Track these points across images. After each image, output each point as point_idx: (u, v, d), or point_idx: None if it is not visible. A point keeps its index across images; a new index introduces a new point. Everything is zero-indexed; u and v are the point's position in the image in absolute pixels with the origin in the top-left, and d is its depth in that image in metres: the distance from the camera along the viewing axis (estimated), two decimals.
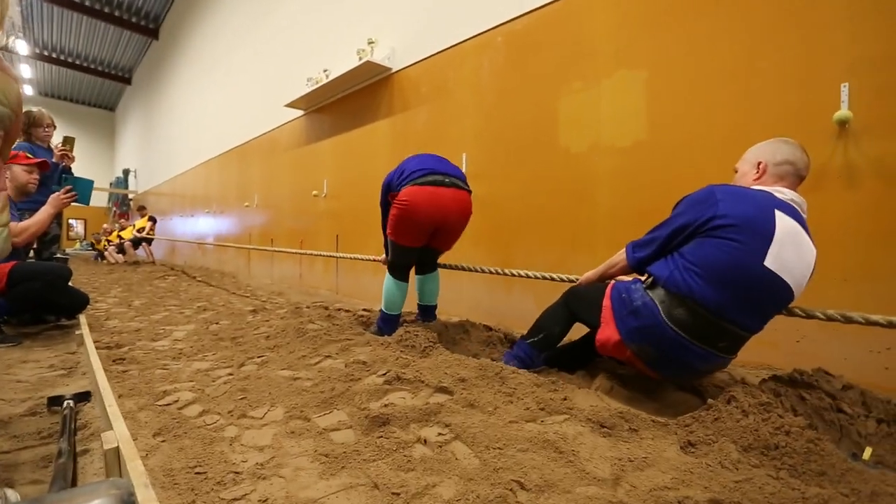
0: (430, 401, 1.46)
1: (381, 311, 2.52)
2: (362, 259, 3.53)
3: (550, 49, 3.08)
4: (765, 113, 2.23)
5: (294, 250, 5.14)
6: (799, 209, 1.48)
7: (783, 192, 1.49)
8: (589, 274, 1.87)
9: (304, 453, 1.21)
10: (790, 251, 1.38)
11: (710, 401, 1.40)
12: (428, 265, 2.66)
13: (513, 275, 2.49)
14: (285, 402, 1.53)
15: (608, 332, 1.61)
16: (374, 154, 4.67)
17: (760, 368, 2.12)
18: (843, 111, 2.00)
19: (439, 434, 1.27)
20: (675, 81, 2.52)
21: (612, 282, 1.71)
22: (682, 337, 1.44)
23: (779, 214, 1.39)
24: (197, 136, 9.89)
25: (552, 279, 2.28)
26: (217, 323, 2.94)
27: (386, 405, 1.44)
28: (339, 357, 1.99)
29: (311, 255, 4.83)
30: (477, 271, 2.70)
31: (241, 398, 1.58)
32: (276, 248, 5.69)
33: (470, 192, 2.46)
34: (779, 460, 1.14)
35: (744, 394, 1.35)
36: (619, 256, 1.71)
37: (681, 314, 1.44)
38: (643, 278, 1.61)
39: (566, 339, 1.96)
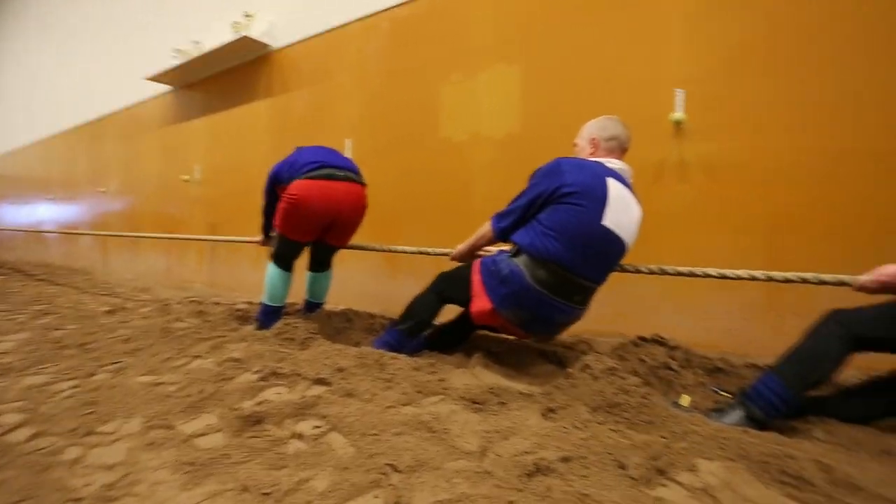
0: (306, 394, 1.44)
1: (262, 303, 2.40)
2: (239, 241, 3.31)
3: (434, 39, 3.11)
4: (618, 111, 2.49)
5: (161, 235, 4.63)
6: (625, 176, 1.74)
7: (612, 163, 1.74)
8: (460, 247, 1.97)
9: (165, 465, 1.12)
10: (621, 211, 1.63)
11: (569, 370, 1.56)
12: (323, 263, 2.60)
13: (392, 251, 2.51)
14: (144, 412, 1.40)
15: (481, 303, 1.72)
16: (252, 137, 4.36)
17: (615, 336, 2.39)
18: (678, 113, 2.31)
19: (315, 427, 1.26)
20: (546, 78, 2.71)
21: (478, 259, 1.82)
22: (546, 295, 1.62)
23: (610, 181, 1.63)
24: (32, 108, 8.36)
25: (429, 254, 2.33)
26: (60, 328, 2.56)
27: (260, 403, 1.38)
28: (209, 356, 1.85)
29: (182, 239, 4.41)
30: (360, 248, 2.65)
31: (89, 413, 1.41)
32: (139, 234, 5.08)
33: (364, 185, 2.43)
34: (619, 416, 1.32)
35: (595, 361, 1.53)
36: (485, 228, 1.84)
37: (542, 275, 1.61)
38: (507, 248, 1.75)
39: (443, 324, 2.05)
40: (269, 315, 2.36)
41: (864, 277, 1.37)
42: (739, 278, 1.69)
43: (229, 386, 1.51)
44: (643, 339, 1.93)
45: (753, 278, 1.67)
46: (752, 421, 1.34)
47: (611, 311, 2.35)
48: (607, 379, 1.44)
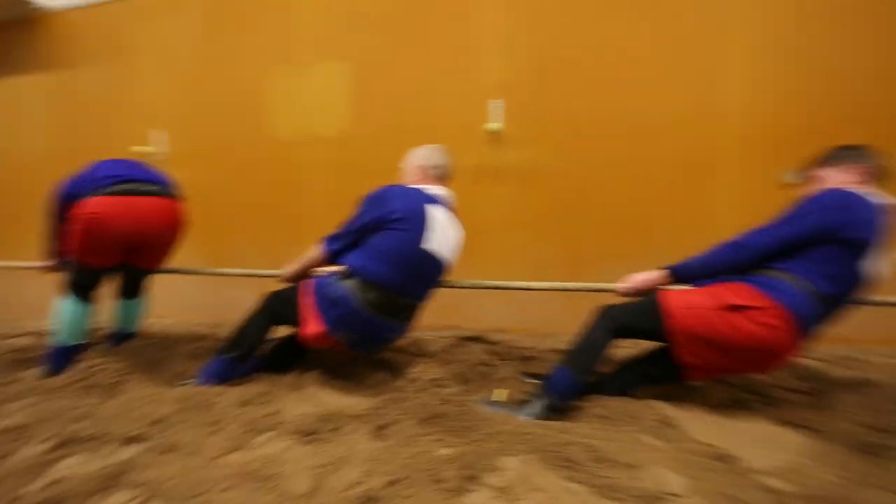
0: (115, 459, 1.30)
1: (53, 344, 2.01)
2: (14, 267, 2.72)
3: (255, 26, 2.87)
4: (441, 118, 2.65)
5: None
6: (446, 201, 1.89)
7: (435, 189, 1.88)
8: (291, 268, 1.94)
9: None
10: (441, 234, 1.78)
11: (398, 384, 1.67)
12: (134, 289, 2.28)
13: (216, 274, 2.35)
14: None
15: (313, 326, 1.73)
16: (19, 115, 3.52)
17: (447, 330, 2.60)
18: (494, 123, 2.55)
19: (130, 500, 1.15)
20: (376, 80, 2.73)
21: (309, 281, 1.81)
22: (375, 316, 1.71)
23: (431, 207, 1.78)
24: None
25: (257, 276, 2.24)
26: None
27: (52, 483, 1.20)
28: None
29: None
30: (181, 272, 2.41)
31: None
32: None
33: (178, 199, 2.16)
34: (442, 425, 1.48)
35: (421, 371, 1.67)
36: (315, 251, 1.86)
37: (373, 297, 1.70)
38: (339, 270, 1.77)
39: (277, 342, 2.00)
40: (62, 356, 2.00)
41: (622, 285, 1.74)
42: (542, 289, 2.01)
43: (3, 468, 1.28)
44: (467, 338, 2.15)
45: (553, 289, 2.01)
46: (551, 409, 1.62)
47: (443, 305, 2.53)
48: (432, 390, 1.60)
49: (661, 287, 1.68)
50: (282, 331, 1.93)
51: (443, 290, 1.95)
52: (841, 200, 1.49)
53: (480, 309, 2.66)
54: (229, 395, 1.59)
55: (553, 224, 2.62)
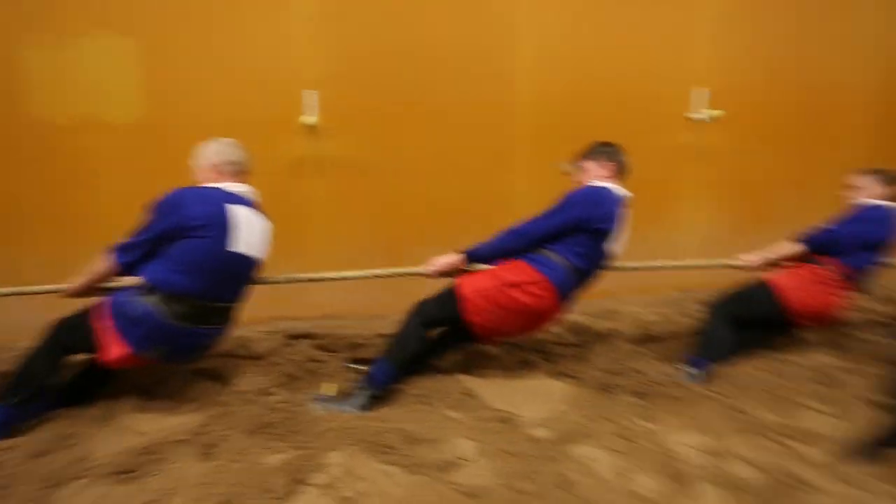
0: None
1: None
2: None
3: None
4: (250, 110, 2.53)
5: None
6: (248, 198, 1.80)
7: (234, 187, 1.76)
8: (75, 284, 1.72)
9: None
10: (248, 233, 1.72)
11: (224, 397, 1.70)
12: None
13: None
14: None
15: (117, 349, 1.59)
16: None
17: (274, 323, 2.61)
18: (310, 117, 2.53)
19: None
20: (175, 61, 2.45)
21: (102, 303, 1.67)
22: (187, 327, 1.65)
23: (233, 207, 1.69)
24: None
25: (27, 294, 1.93)
26: None
27: None
28: None
29: None
30: None
31: None
32: None
33: None
34: (271, 433, 1.58)
35: (247, 383, 1.72)
36: (103, 262, 1.67)
37: (179, 309, 1.61)
38: (136, 285, 1.64)
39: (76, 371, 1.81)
40: None
41: (425, 269, 1.98)
42: (357, 278, 2.15)
43: None
44: (294, 335, 2.22)
45: (375, 276, 2.16)
46: (374, 399, 1.83)
47: (270, 298, 2.48)
48: (260, 400, 1.67)
49: (460, 268, 1.95)
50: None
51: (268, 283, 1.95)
52: (593, 198, 1.93)
53: (307, 299, 2.72)
54: (19, 449, 1.43)
55: (371, 213, 2.77)
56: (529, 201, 2.88)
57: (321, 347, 2.22)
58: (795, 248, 2.23)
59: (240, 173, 1.82)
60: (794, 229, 2.30)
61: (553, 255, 1.90)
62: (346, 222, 2.76)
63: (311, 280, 2.16)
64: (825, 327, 2.39)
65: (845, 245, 2.17)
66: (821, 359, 2.23)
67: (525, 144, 2.93)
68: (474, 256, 1.96)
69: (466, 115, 2.81)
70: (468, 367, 2.10)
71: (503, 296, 1.86)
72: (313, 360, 2.10)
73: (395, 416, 1.69)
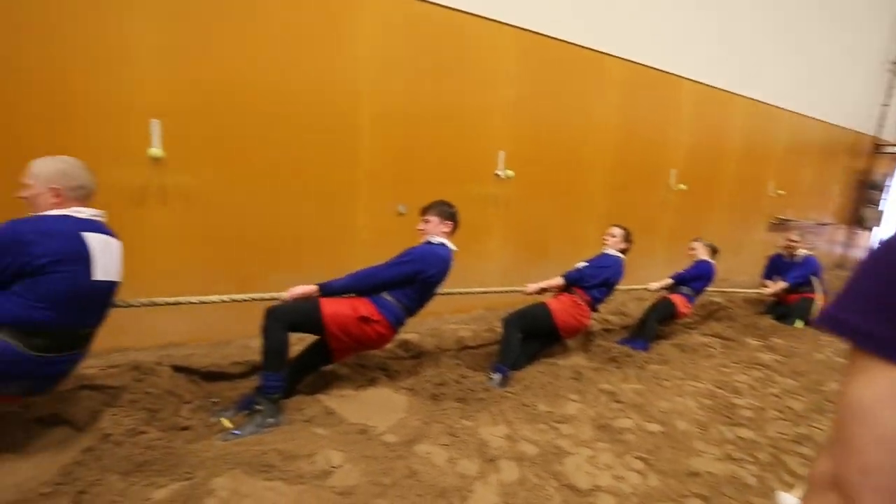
0: None
1: None
2: None
3: None
4: (99, 135, 2.39)
5: None
6: (99, 221, 1.79)
7: (83, 212, 1.73)
8: None
9: None
10: (105, 259, 1.74)
11: (87, 441, 1.70)
12: None
13: None
14: None
15: None
16: None
17: (125, 353, 2.51)
18: (155, 149, 2.51)
19: None
20: (21, 86, 2.18)
21: None
22: (49, 356, 1.64)
23: (87, 236, 1.69)
24: None
25: None
26: None
27: None
28: None
29: None
30: None
31: None
32: None
33: None
34: (151, 470, 1.67)
35: (113, 424, 1.75)
36: None
37: (39, 342, 1.61)
38: None
39: None
40: None
41: (284, 294, 2.26)
42: (217, 302, 2.33)
43: None
44: (142, 369, 2.23)
45: (233, 300, 2.35)
46: (274, 411, 2.06)
47: (116, 328, 2.37)
48: (131, 440, 1.72)
49: (313, 297, 2.28)
50: None
51: (114, 314, 1.93)
52: (430, 257, 2.45)
53: (146, 329, 2.66)
54: None
55: (220, 243, 2.84)
56: (368, 233, 3.34)
57: (177, 378, 2.26)
58: (560, 281, 3.16)
59: (89, 196, 1.78)
60: (566, 263, 3.26)
61: (391, 299, 2.39)
62: (194, 251, 2.77)
63: (167, 304, 2.22)
64: (578, 337, 3.43)
65: (591, 281, 3.17)
66: (576, 360, 3.20)
67: (365, 185, 3.34)
68: (327, 290, 2.31)
69: (313, 152, 3.09)
70: (326, 388, 2.43)
71: (355, 326, 2.29)
72: (172, 393, 2.15)
73: (270, 439, 1.93)
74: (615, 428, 2.37)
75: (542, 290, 3.15)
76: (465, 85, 3.64)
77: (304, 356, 2.44)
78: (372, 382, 2.61)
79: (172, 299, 2.25)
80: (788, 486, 2.04)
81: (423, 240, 2.52)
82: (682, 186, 5.31)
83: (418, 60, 3.39)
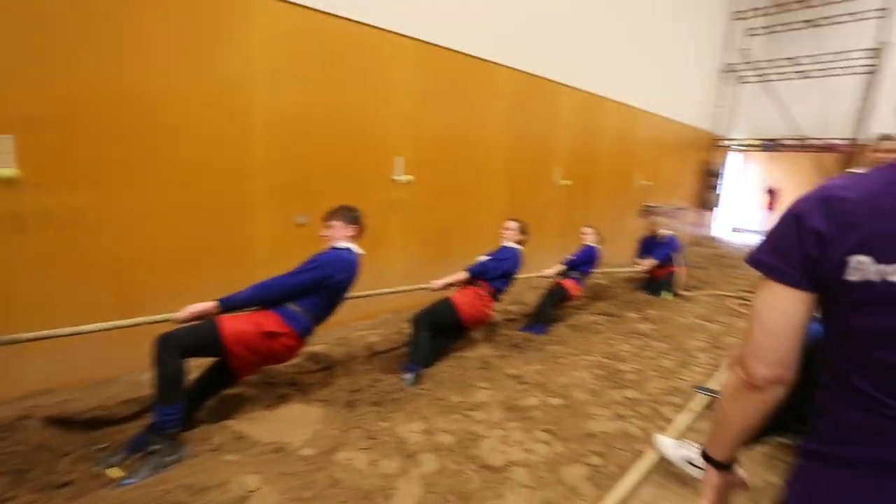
0: None
1: None
2: None
3: None
4: None
5: None
6: None
7: None
8: None
9: None
10: None
11: None
12: None
13: None
14: None
15: None
16: None
17: None
18: (8, 169, 2.20)
19: None
20: None
21: None
22: None
23: None
24: None
25: None
26: None
27: None
28: None
29: None
30: None
31: None
32: None
33: None
34: None
35: None
36: None
37: None
38: None
39: None
40: None
41: (179, 314, 2.09)
42: (76, 333, 2.05)
43: None
44: (3, 427, 1.95)
45: (101, 330, 2.10)
46: (173, 448, 1.89)
47: None
48: None
49: (213, 314, 2.13)
50: None
51: None
52: (337, 261, 2.42)
53: (16, 375, 2.31)
54: None
55: (95, 268, 2.57)
56: (266, 247, 3.23)
57: (50, 431, 2.00)
58: (464, 275, 3.32)
59: None
60: (468, 259, 3.42)
61: (298, 309, 2.31)
62: (68, 278, 2.46)
63: (31, 340, 1.94)
64: (483, 328, 3.62)
65: (493, 273, 3.37)
66: (482, 351, 3.37)
67: (260, 196, 3.22)
68: (229, 305, 2.18)
69: (202, 164, 2.91)
70: (233, 412, 2.31)
71: (260, 341, 2.19)
72: (45, 447, 1.90)
73: (176, 476, 1.79)
74: (522, 407, 2.56)
75: (448, 286, 3.28)
76: (363, 94, 3.66)
77: (204, 381, 2.27)
78: (283, 399, 2.53)
79: (37, 334, 1.96)
80: (663, 430, 2.37)
81: (328, 246, 2.50)
82: (566, 182, 5.82)
83: (314, 69, 3.34)
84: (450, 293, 3.28)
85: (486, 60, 4.51)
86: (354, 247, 2.54)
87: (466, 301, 3.23)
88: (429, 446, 2.17)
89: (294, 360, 2.92)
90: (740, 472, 0.92)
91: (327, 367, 3.02)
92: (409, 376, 2.81)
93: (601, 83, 6.11)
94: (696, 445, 2.04)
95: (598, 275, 5.06)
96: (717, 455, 0.89)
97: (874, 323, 0.69)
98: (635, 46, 6.76)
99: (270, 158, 3.22)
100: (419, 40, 3.92)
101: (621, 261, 5.98)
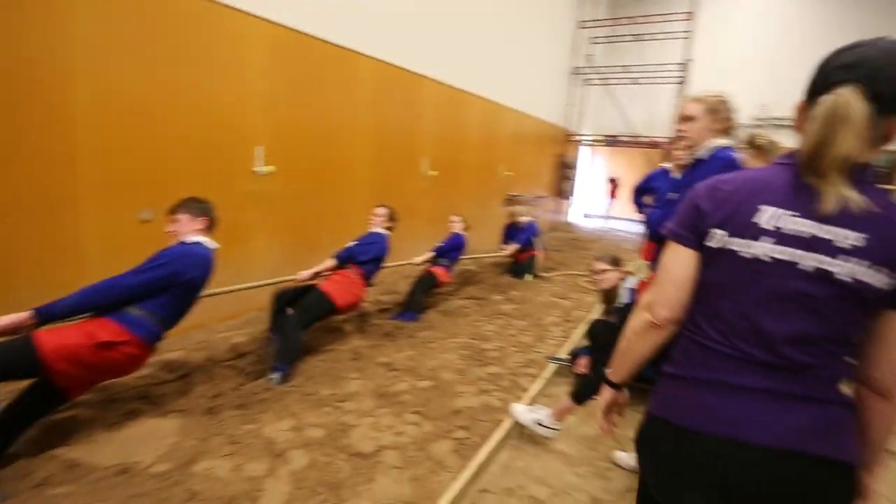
0: None
1: None
2: None
3: None
4: None
5: None
6: None
7: None
8: None
9: None
10: None
11: None
12: None
13: None
14: None
15: None
16: None
17: None
18: None
19: None
20: None
21: None
22: None
23: None
24: None
25: None
26: None
27: None
28: None
29: None
30: None
31: None
32: None
33: None
34: None
35: None
36: None
37: None
38: None
39: None
40: None
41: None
42: None
43: None
44: None
45: None
46: None
47: None
48: None
49: (29, 327, 1.83)
50: None
51: None
52: (187, 256, 2.22)
53: None
54: None
55: None
56: (98, 247, 2.86)
57: None
58: (332, 262, 3.29)
59: None
60: (334, 249, 3.39)
61: (142, 313, 2.08)
62: None
63: None
64: (355, 320, 3.63)
65: (363, 258, 3.38)
66: (354, 343, 3.39)
67: (88, 189, 2.81)
68: (47, 315, 1.87)
69: (9, 153, 2.46)
70: (63, 440, 2.03)
71: (93, 354, 1.92)
72: None
73: None
74: (393, 392, 2.66)
75: (317, 275, 3.23)
76: (215, 78, 3.36)
77: (16, 408, 1.90)
78: (130, 416, 2.28)
79: None
80: (519, 399, 2.65)
81: (176, 241, 2.28)
82: (434, 173, 6.02)
83: (152, 47, 2.97)
84: (321, 283, 3.23)
85: (347, 49, 4.45)
86: (207, 240, 2.37)
87: (336, 287, 3.20)
88: (298, 442, 2.15)
89: (143, 371, 2.66)
90: (625, 392, 1.20)
91: (185, 375, 2.78)
92: (276, 375, 2.72)
93: (465, 78, 6.40)
94: (545, 409, 2.32)
95: (466, 261, 5.35)
96: (617, 379, 1.16)
97: (716, 279, 0.95)
98: (496, 45, 7.19)
99: (101, 146, 2.82)
100: (276, 23, 3.72)
101: (489, 247, 6.40)
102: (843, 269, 0.84)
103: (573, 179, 11.46)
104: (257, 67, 3.66)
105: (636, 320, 1.05)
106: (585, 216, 13.42)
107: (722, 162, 1.73)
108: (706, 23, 10.29)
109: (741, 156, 1.78)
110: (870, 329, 0.90)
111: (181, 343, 3.12)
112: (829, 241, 0.85)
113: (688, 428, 0.94)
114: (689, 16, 9.44)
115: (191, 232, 2.32)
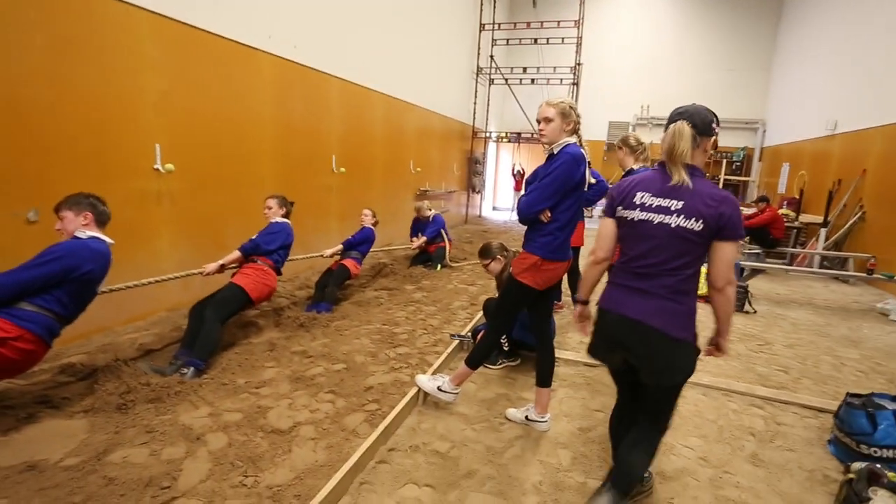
0: None
1: None
2: None
3: None
4: None
5: None
6: None
7: None
8: None
9: None
10: None
11: None
12: None
13: None
14: None
15: None
16: None
17: None
18: None
19: None
20: None
21: None
22: None
23: None
24: None
25: None
26: None
27: None
28: None
29: None
30: None
31: None
32: None
33: None
34: None
35: None
36: None
37: None
38: None
39: None
40: None
41: None
42: None
43: None
44: None
45: None
46: None
47: None
48: None
49: None
50: None
51: None
52: (78, 250, 2.20)
53: None
54: None
55: None
56: None
57: None
58: (237, 254, 3.36)
59: None
60: (240, 242, 3.45)
61: (35, 308, 2.09)
62: None
63: None
64: (270, 314, 3.72)
65: (269, 247, 3.47)
66: (269, 335, 3.50)
67: None
68: None
69: None
70: None
71: None
72: None
73: None
74: (308, 377, 2.84)
75: (222, 267, 3.28)
76: (102, 71, 3.24)
77: None
78: (29, 419, 2.24)
79: None
80: (425, 372, 2.96)
81: (66, 238, 2.27)
82: (343, 170, 6.14)
83: (28, 34, 2.82)
84: (234, 277, 3.29)
85: (247, 46, 4.44)
86: (102, 235, 2.37)
87: (249, 280, 3.27)
88: (216, 427, 2.27)
89: (40, 376, 2.60)
90: (589, 306, 1.90)
91: (88, 376, 2.73)
92: (189, 371, 2.75)
93: (370, 77, 6.57)
94: (445, 376, 2.64)
95: (380, 253, 5.57)
96: (582, 297, 1.92)
97: (621, 233, 1.72)
98: (401, 44, 7.43)
99: None
100: (168, 18, 3.64)
101: (402, 240, 6.67)
102: (673, 221, 1.56)
103: (482, 174, 12.06)
104: (149, 63, 3.57)
105: (587, 261, 1.82)
106: (494, 209, 14.15)
107: (571, 156, 2.13)
108: (594, 29, 11.35)
109: (584, 150, 2.20)
110: (709, 253, 1.58)
111: (82, 348, 3.03)
112: (667, 206, 1.58)
113: (606, 309, 1.73)
114: (578, 23, 10.36)
115: (78, 228, 2.32)
